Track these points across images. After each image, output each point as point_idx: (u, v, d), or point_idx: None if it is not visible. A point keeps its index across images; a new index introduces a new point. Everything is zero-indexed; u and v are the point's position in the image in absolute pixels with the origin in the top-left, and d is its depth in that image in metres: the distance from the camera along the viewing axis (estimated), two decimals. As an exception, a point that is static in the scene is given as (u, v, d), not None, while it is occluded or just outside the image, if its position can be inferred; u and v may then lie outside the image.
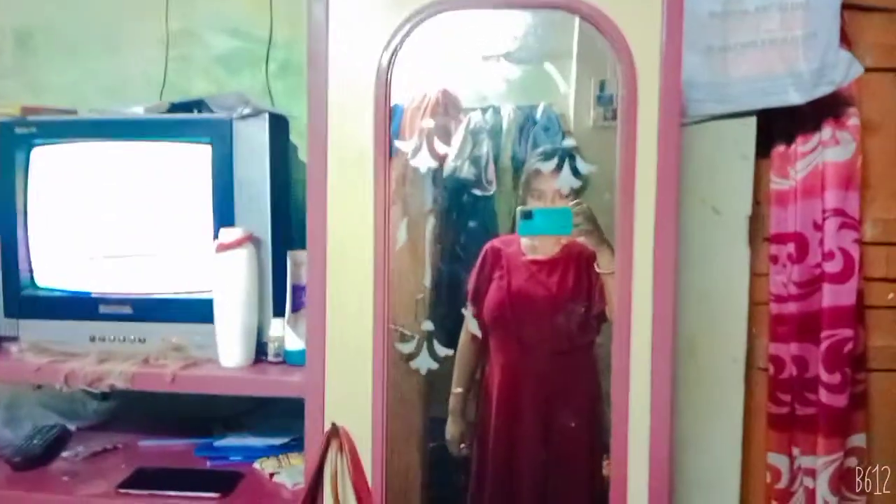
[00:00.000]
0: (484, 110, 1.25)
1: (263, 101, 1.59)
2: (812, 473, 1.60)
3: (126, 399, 1.56)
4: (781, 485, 1.66)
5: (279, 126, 1.31)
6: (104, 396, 1.57)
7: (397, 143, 1.15)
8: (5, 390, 1.51)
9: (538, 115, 1.26)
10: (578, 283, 1.26)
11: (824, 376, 1.57)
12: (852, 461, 1.58)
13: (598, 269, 1.21)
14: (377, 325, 1.13)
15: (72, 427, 1.53)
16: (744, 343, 1.58)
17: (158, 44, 1.75)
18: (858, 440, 1.61)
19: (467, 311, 1.25)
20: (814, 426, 1.59)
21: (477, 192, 1.24)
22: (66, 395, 1.49)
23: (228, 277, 1.23)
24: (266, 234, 1.28)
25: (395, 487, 1.20)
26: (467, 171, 1.23)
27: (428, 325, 1.18)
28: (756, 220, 1.59)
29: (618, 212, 1.10)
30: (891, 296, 1.62)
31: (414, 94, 1.20)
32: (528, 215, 1.19)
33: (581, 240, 1.21)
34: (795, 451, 1.63)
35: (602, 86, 1.24)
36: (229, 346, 1.25)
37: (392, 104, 1.13)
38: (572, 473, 1.31)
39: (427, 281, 1.21)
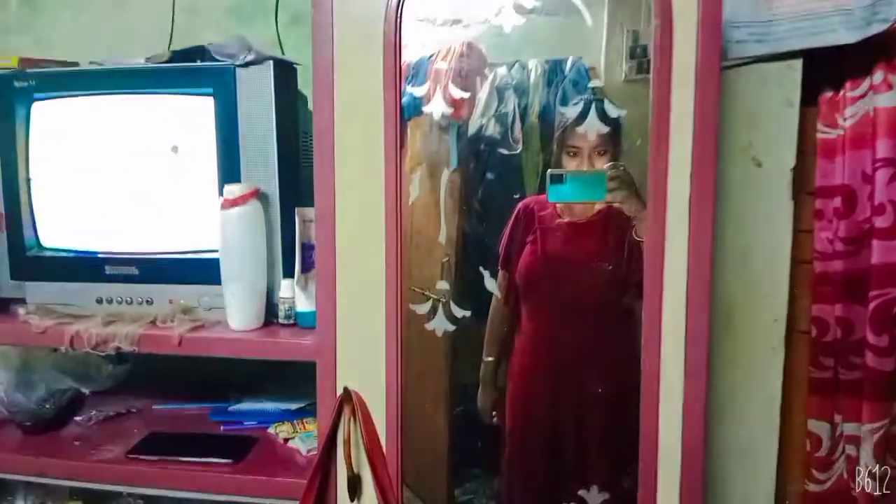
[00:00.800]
0: (510, 65, 1.17)
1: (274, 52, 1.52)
2: (855, 441, 1.50)
3: (141, 363, 1.53)
4: (822, 452, 1.57)
5: (286, 74, 1.23)
6: (119, 360, 1.54)
7: (409, 88, 1.07)
8: (16, 353, 1.48)
9: (567, 68, 1.18)
10: (616, 249, 1.18)
11: (871, 338, 1.46)
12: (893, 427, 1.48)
13: (636, 238, 1.12)
14: (389, 284, 1.06)
15: (86, 391, 1.50)
16: (785, 304, 1.47)
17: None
18: None
19: (494, 276, 1.17)
20: (859, 391, 1.49)
21: (503, 150, 1.17)
22: (80, 359, 1.47)
23: (234, 236, 1.17)
24: (273, 190, 1.22)
25: (419, 452, 1.15)
26: (493, 129, 1.16)
27: (443, 285, 1.11)
28: (800, 173, 1.47)
29: (651, 161, 1.01)
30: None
31: (439, 47, 1.13)
32: (558, 179, 1.11)
33: (617, 206, 1.11)
34: (837, 417, 1.53)
35: (635, 37, 1.17)
36: (237, 307, 1.19)
37: (415, 58, 1.07)
38: (607, 441, 1.24)
39: (444, 240, 1.13)
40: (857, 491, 1.36)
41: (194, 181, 1.25)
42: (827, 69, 1.43)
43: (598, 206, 1.15)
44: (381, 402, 1.08)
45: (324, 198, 1.07)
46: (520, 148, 1.17)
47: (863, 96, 1.38)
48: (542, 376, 1.24)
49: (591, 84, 1.16)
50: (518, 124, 1.17)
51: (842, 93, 1.42)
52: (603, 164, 1.12)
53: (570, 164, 1.14)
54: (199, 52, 1.26)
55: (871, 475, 1.40)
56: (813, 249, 1.45)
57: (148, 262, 1.29)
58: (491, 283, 1.14)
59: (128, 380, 1.59)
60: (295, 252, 1.18)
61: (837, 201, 1.40)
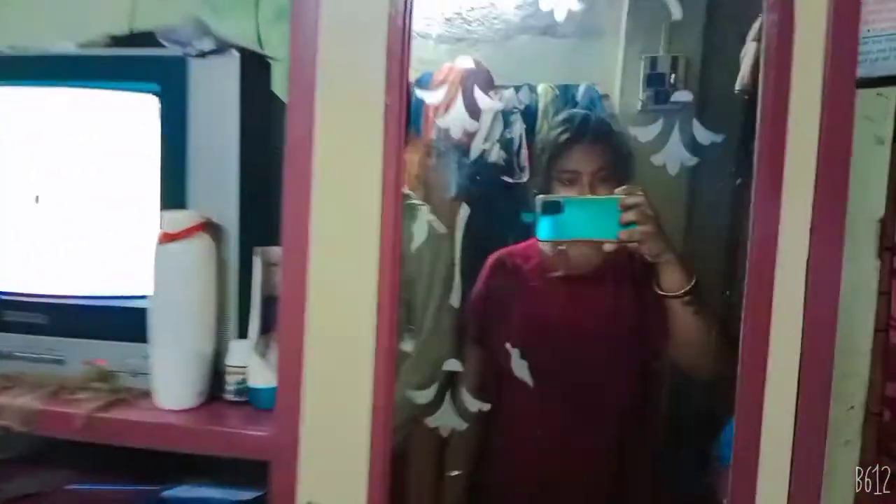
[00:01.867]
0: (518, 88, 1.08)
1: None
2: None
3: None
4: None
5: (257, 71, 0.94)
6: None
7: (420, 93, 0.79)
8: None
9: (579, 95, 1.09)
10: (634, 310, 0.89)
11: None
12: None
13: (658, 291, 0.84)
14: (380, 359, 0.76)
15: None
16: (865, 387, 1.21)
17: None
18: None
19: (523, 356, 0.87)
20: None
21: (508, 178, 1.01)
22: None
23: (172, 280, 0.87)
24: (231, 222, 0.91)
25: None
26: (497, 156, 1.01)
27: (453, 365, 0.81)
28: (882, 223, 1.23)
29: (754, 211, 0.74)
30: None
31: (441, 65, 0.98)
32: (553, 208, 0.82)
33: (633, 246, 0.83)
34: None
35: (653, 63, 1.09)
36: (170, 378, 0.88)
37: (420, 74, 0.92)
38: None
39: (458, 301, 0.84)
40: None
41: (127, 205, 0.95)
42: None
43: (605, 249, 0.86)
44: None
45: (294, 235, 0.78)
46: (526, 176, 1.04)
47: None
48: (537, 476, 0.95)
49: (605, 112, 1.05)
50: (525, 151, 1.04)
51: None
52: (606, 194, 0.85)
53: (563, 193, 0.88)
54: (145, 39, 0.97)
55: None
56: (888, 316, 1.21)
57: (59, 309, 0.98)
58: (521, 366, 0.85)
59: (45, 447, 1.27)
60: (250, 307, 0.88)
61: None
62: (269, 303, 0.88)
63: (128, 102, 0.94)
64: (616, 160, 0.92)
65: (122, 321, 0.96)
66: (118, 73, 0.94)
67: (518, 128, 1.05)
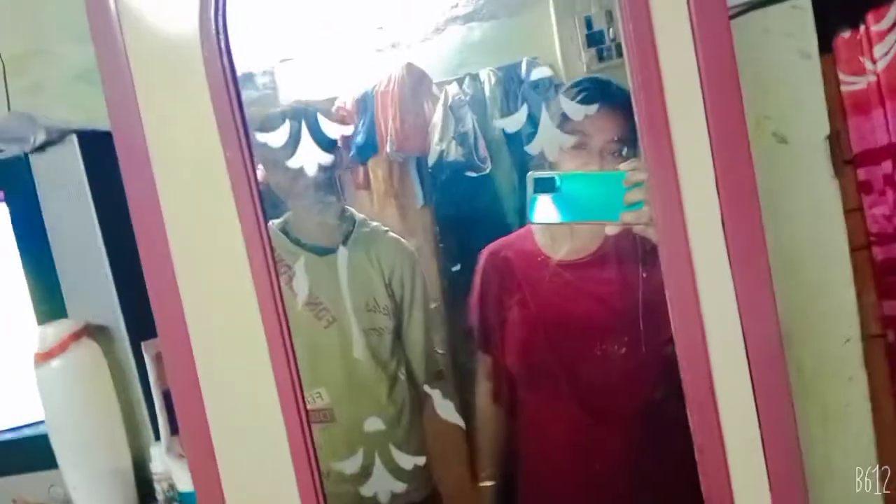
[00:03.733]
0: (460, 80, 1.04)
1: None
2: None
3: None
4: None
5: (104, 148, 0.86)
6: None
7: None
8: None
9: (523, 72, 1.05)
10: (637, 295, 0.80)
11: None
12: None
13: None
14: (291, 432, 0.68)
15: None
16: (856, 315, 1.14)
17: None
18: None
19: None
20: None
21: (472, 173, 0.96)
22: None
23: (62, 399, 0.79)
24: (116, 318, 0.83)
25: None
26: (456, 153, 0.97)
27: (375, 424, 0.73)
28: (833, 141, 1.17)
29: (652, 166, 0.65)
30: None
31: (379, 77, 0.97)
32: (546, 185, 0.72)
33: (639, 229, 0.73)
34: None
35: (588, 23, 1.07)
36: (90, 502, 0.80)
37: (359, 93, 0.92)
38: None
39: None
40: None
41: (6, 329, 0.87)
42: (834, 4, 1.14)
43: (605, 231, 0.76)
44: None
45: (168, 319, 0.69)
46: (489, 166, 0.98)
47: (893, 28, 1.09)
48: (562, 468, 0.87)
49: (554, 82, 0.96)
50: (482, 142, 0.99)
51: (863, 29, 1.13)
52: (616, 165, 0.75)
53: (568, 166, 0.79)
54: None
55: None
56: (866, 232, 1.17)
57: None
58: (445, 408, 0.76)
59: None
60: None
61: (887, 166, 1.14)
62: (169, 399, 0.80)
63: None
64: (631, 134, 0.82)
65: (34, 449, 0.88)
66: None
67: (469, 120, 1.01)
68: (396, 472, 0.73)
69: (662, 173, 0.64)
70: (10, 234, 0.85)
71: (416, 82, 0.97)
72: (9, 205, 0.85)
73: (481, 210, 0.99)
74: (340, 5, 0.89)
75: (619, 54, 0.89)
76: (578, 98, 0.84)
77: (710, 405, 0.65)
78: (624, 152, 0.81)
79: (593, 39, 1.05)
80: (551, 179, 0.71)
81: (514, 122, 0.74)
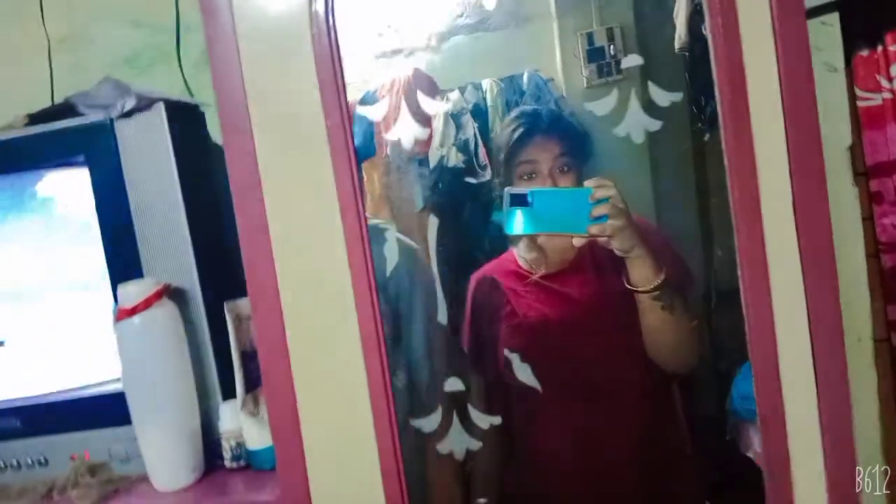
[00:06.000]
0: (462, 88, 1.03)
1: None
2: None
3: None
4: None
5: (188, 119, 0.90)
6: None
7: (361, 110, 0.75)
8: None
9: (524, 83, 1.05)
10: (614, 296, 0.86)
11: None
12: None
13: (629, 286, 0.81)
14: (374, 396, 0.71)
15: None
16: (868, 316, 1.20)
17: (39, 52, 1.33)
18: None
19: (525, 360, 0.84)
20: None
21: (471, 179, 0.97)
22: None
23: (141, 356, 0.81)
24: (192, 281, 0.86)
25: None
26: (456, 159, 0.98)
27: (454, 384, 0.77)
28: (851, 150, 1.23)
29: (729, 161, 0.71)
30: None
31: (382, 82, 0.94)
32: (520, 200, 0.78)
33: (603, 240, 0.80)
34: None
35: (590, 38, 1.07)
36: (161, 458, 0.83)
37: (358, 97, 0.85)
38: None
39: (442, 316, 0.80)
40: None
41: (79, 288, 0.90)
42: (859, 23, 1.20)
43: (574, 243, 0.82)
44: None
45: (260, 285, 0.73)
46: (489, 174, 1.00)
47: None
48: (560, 480, 0.93)
49: (554, 95, 0.99)
50: (482, 149, 1.00)
51: (881, 48, 1.19)
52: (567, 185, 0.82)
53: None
54: (65, 110, 0.91)
55: None
56: (875, 241, 1.22)
57: (33, 409, 0.92)
58: (524, 370, 0.80)
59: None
60: (233, 364, 0.83)
61: None
62: (247, 357, 0.83)
63: (56, 181, 0.89)
64: (573, 146, 0.89)
65: (98, 408, 0.90)
66: (40, 152, 0.88)
67: (470, 128, 1.01)
68: (472, 430, 0.77)
69: (743, 180, 0.70)
70: (91, 202, 0.87)
71: (421, 87, 0.96)
72: (91, 170, 0.87)
73: (478, 217, 1.00)
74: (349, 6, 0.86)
75: (619, 71, 0.95)
76: (515, 132, 0.92)
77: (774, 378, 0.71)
78: (567, 168, 0.88)
79: (593, 55, 1.05)
80: (524, 195, 0.78)
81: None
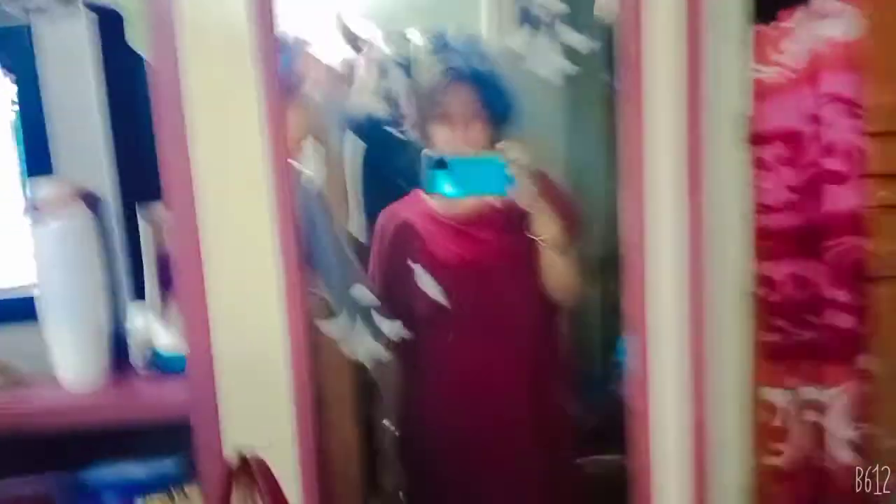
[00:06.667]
0: (387, 37, 1.07)
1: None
2: (819, 407, 1.38)
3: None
4: (779, 422, 1.44)
5: (108, 26, 0.88)
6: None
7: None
8: None
9: (449, 34, 1.09)
10: (518, 245, 0.95)
11: (829, 293, 1.34)
12: (864, 387, 1.38)
13: (532, 236, 0.90)
14: (290, 295, 0.76)
15: None
16: (749, 268, 1.32)
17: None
18: (870, 363, 1.40)
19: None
20: (819, 352, 1.38)
21: (392, 130, 1.04)
22: None
23: (53, 260, 0.82)
24: (105, 185, 0.87)
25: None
26: (378, 108, 1.04)
27: (360, 292, 0.83)
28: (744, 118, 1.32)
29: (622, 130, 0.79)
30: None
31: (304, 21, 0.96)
32: (437, 163, 0.84)
33: (518, 200, 0.90)
34: (795, 383, 1.40)
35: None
36: (69, 359, 0.85)
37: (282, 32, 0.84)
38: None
39: (358, 231, 0.86)
40: (826, 461, 1.26)
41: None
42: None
43: (491, 203, 0.92)
44: (290, 464, 0.79)
45: (178, 193, 0.75)
46: (411, 124, 1.05)
47: (802, 26, 1.24)
48: (456, 404, 1.04)
49: (476, 46, 1.04)
50: (405, 100, 1.05)
51: (776, 24, 1.29)
52: (478, 134, 0.89)
53: (440, 135, 0.91)
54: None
55: (841, 441, 1.26)
56: (754, 203, 1.35)
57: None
58: (427, 281, 0.88)
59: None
60: (143, 268, 0.85)
61: (781, 147, 1.27)
62: (161, 262, 0.85)
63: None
64: (491, 98, 0.95)
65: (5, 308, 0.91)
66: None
67: (395, 76, 1.05)
68: (378, 336, 0.83)
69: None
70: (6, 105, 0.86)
71: (343, 33, 1.01)
72: (10, 71, 0.86)
73: (399, 162, 1.07)
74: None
75: (542, 20, 0.99)
76: (436, 77, 0.98)
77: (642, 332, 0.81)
78: (480, 118, 0.96)
79: (519, 16, 1.07)
80: (441, 159, 0.85)
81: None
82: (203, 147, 0.75)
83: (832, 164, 1.25)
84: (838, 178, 1.25)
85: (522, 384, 1.03)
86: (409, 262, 0.96)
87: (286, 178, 0.74)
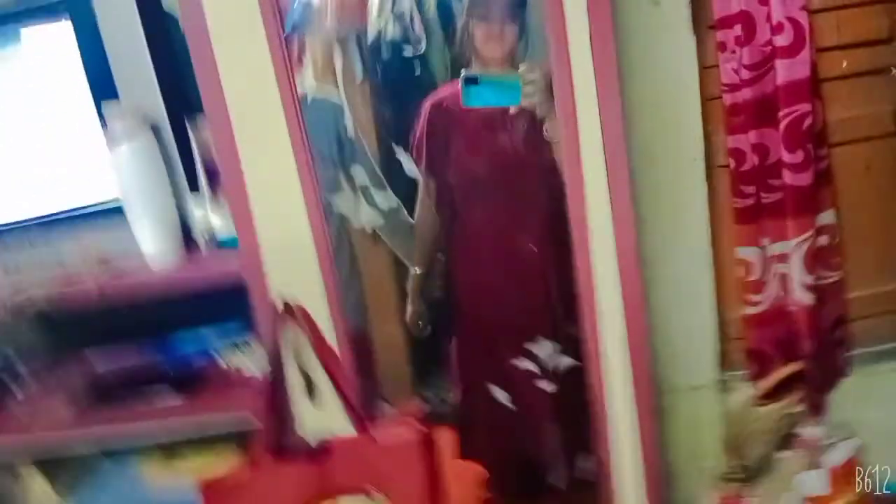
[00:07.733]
0: None
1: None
2: (784, 258, 1.55)
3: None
4: (754, 276, 1.61)
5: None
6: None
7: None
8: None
9: None
10: (536, 137, 1.17)
11: (786, 157, 1.48)
12: (823, 239, 1.53)
13: (546, 135, 1.12)
14: (304, 175, 0.99)
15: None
16: (701, 140, 1.47)
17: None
18: (827, 217, 1.54)
19: (422, 181, 1.14)
20: (781, 210, 1.52)
21: (408, 50, 1.16)
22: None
23: (129, 170, 1.08)
24: (157, 104, 1.11)
25: (381, 360, 1.13)
26: (393, 31, 1.14)
27: (358, 172, 1.07)
28: (698, 8, 1.44)
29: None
30: (845, 64, 1.51)
31: None
32: (472, 80, 1.07)
33: (530, 108, 1.12)
34: (765, 240, 1.56)
35: None
36: (151, 246, 1.13)
37: None
38: (550, 297, 1.28)
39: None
40: (793, 305, 1.41)
41: (74, 121, 1.14)
42: None
43: (512, 111, 1.16)
44: (323, 308, 1.05)
45: (214, 103, 0.99)
46: (424, 45, 1.16)
47: None
48: (486, 253, 1.27)
49: None
50: (417, 20, 1.14)
51: None
52: (512, 36, 1.07)
53: (479, 30, 1.10)
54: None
55: (805, 287, 1.41)
56: (720, 83, 1.43)
57: (50, 225, 1.20)
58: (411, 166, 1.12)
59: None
60: (196, 170, 1.11)
61: (737, 29, 1.38)
62: (209, 164, 1.10)
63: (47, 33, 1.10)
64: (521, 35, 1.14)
65: (102, 217, 1.18)
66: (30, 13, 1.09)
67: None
68: (376, 207, 1.08)
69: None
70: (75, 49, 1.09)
71: None
72: (73, 22, 1.09)
73: (416, 82, 1.20)
74: None
75: None
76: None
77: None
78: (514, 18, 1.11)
79: None
80: (475, 77, 1.07)
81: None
82: (227, 70, 0.97)
83: (781, 40, 1.38)
84: (787, 53, 1.38)
85: (538, 239, 1.25)
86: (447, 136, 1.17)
87: (292, 95, 0.95)
